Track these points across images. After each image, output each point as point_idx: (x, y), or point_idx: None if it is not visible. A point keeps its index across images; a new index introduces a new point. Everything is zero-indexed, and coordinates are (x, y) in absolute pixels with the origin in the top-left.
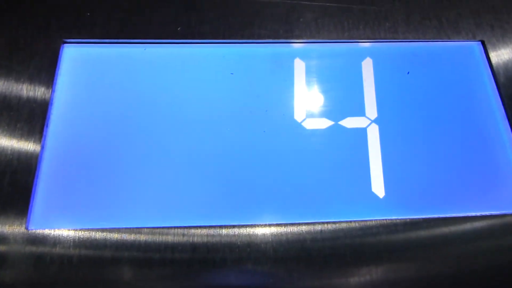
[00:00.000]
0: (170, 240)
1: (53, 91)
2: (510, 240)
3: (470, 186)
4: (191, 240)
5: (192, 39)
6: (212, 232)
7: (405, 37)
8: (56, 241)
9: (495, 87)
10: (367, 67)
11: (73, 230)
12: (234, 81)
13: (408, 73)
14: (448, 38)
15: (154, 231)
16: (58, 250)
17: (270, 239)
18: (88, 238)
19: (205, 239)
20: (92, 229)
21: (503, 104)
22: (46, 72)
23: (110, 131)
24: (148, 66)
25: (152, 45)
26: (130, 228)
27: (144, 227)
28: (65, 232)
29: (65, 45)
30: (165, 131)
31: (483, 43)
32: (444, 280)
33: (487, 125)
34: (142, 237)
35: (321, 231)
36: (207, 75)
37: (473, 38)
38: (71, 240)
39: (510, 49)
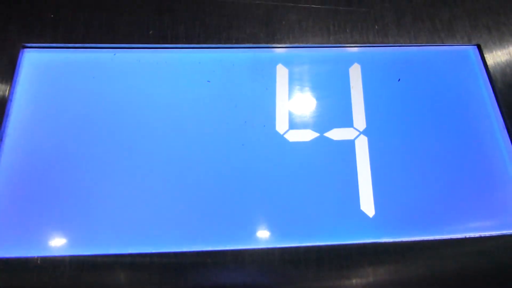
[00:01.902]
0: (128, 268)
1: (10, 100)
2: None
3: (466, 203)
4: (157, 268)
5: (165, 43)
6: (181, 259)
7: (395, 41)
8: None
9: (492, 94)
10: (355, 74)
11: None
12: (210, 89)
13: (399, 80)
14: (442, 42)
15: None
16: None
17: (247, 264)
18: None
19: (174, 266)
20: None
21: (501, 113)
22: (3, 79)
23: (74, 145)
24: (117, 72)
25: (121, 50)
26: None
27: (104, 254)
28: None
29: (25, 49)
30: (134, 144)
31: (479, 47)
32: None
33: (484, 136)
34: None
35: (304, 255)
36: (181, 83)
37: (469, 42)
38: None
39: (508, 54)
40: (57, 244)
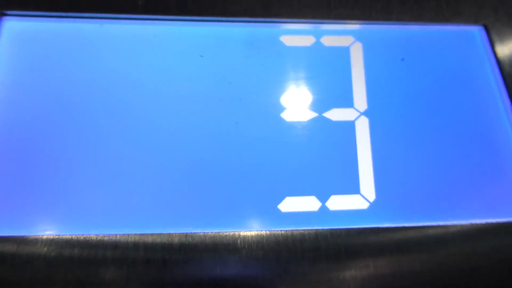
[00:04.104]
0: (120, 249)
1: None
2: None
3: (471, 188)
4: (145, 248)
5: (155, 14)
6: (176, 239)
7: (399, 19)
8: None
9: (499, 77)
10: (356, 53)
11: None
12: (203, 65)
13: (403, 59)
14: (447, 21)
15: (101, 237)
16: None
17: (245, 246)
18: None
19: (160, 248)
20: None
21: (509, 96)
22: None
23: (57, 121)
24: (104, 45)
25: (109, 20)
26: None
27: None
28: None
29: (5, 17)
30: (120, 122)
31: (486, 27)
32: None
33: (490, 119)
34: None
35: (301, 240)
36: (172, 57)
37: (475, 22)
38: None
39: None
40: (38, 224)
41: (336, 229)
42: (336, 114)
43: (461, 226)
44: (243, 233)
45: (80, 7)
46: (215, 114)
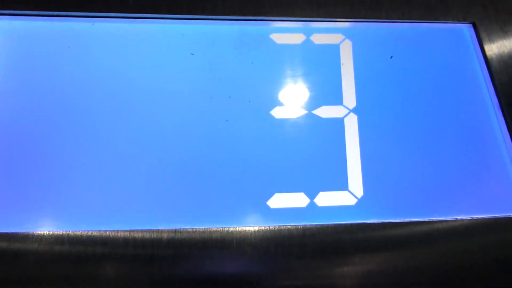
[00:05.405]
0: (109, 246)
1: None
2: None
3: (458, 185)
4: (134, 243)
5: (146, 13)
6: (165, 235)
7: (388, 17)
8: None
9: (487, 74)
10: (346, 50)
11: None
12: (193, 63)
13: (391, 57)
14: (436, 19)
15: (91, 234)
16: None
17: (233, 242)
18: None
19: (149, 244)
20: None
21: (496, 94)
22: None
23: (49, 119)
24: (95, 44)
25: (99, 19)
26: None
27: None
28: None
29: None
30: (111, 119)
31: (474, 25)
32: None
33: (478, 116)
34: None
35: (289, 236)
36: (163, 56)
37: (464, 20)
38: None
39: (504, 33)
40: (29, 221)
41: (323, 225)
42: (325, 111)
43: (448, 222)
44: (232, 228)
45: (71, 6)
46: (205, 111)
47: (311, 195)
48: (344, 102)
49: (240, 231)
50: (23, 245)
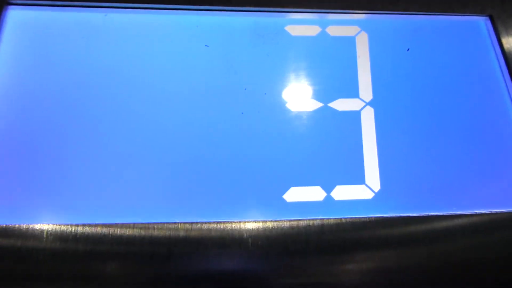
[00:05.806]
0: (125, 237)
1: None
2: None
3: (476, 178)
4: (150, 238)
5: (161, 4)
6: (180, 229)
7: (405, 9)
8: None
9: (505, 68)
10: (362, 43)
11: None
12: (208, 55)
13: (408, 50)
14: (453, 11)
15: (104, 227)
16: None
17: (249, 236)
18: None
19: (165, 237)
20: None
21: None
22: None
23: (61, 111)
24: (109, 35)
25: (113, 10)
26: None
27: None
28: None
29: (10, 7)
30: (126, 111)
31: (491, 18)
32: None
33: (495, 110)
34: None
35: (305, 230)
36: (178, 47)
37: (481, 13)
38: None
39: None
40: (40, 213)
41: (341, 219)
42: (342, 104)
43: (466, 215)
44: (249, 223)
45: None
46: (220, 104)
47: (328, 188)
48: (361, 95)
49: (256, 225)
50: (34, 239)
